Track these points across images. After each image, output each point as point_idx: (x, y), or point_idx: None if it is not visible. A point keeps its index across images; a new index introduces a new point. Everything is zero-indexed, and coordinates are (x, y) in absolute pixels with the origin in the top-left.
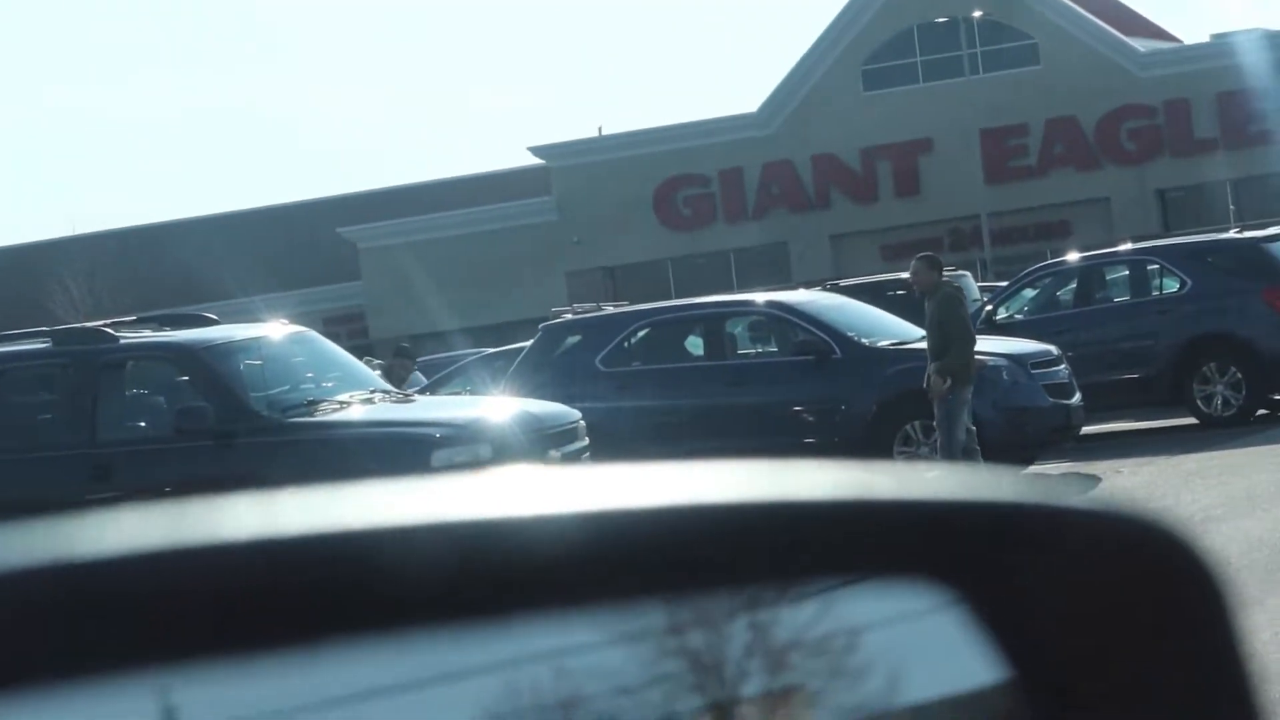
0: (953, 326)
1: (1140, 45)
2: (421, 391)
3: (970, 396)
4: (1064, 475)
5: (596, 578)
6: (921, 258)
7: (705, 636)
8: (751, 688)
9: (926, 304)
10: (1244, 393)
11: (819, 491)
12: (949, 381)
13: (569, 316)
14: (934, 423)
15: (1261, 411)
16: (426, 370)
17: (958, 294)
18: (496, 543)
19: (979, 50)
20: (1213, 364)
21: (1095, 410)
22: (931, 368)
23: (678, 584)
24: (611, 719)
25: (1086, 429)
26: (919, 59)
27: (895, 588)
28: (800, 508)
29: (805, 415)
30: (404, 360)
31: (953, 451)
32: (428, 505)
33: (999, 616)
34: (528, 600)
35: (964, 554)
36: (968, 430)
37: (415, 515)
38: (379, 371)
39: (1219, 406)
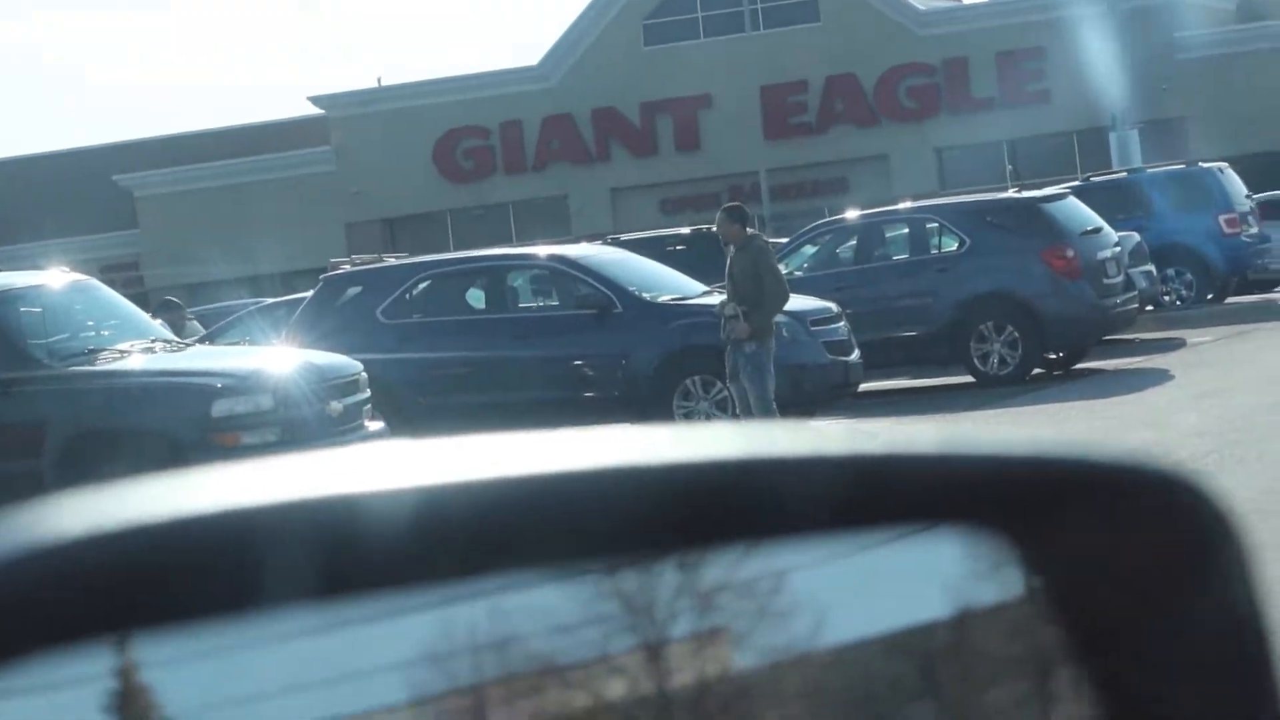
0: (770, 279)
1: (920, 4)
2: (200, 341)
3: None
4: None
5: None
6: (727, 209)
7: (639, 579)
8: (680, 629)
9: (732, 255)
10: (1020, 351)
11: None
12: (750, 332)
13: (348, 268)
14: (726, 376)
15: (1037, 371)
16: (205, 321)
17: (769, 246)
18: (474, 503)
19: (760, 6)
20: (990, 323)
21: (874, 368)
22: (731, 311)
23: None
24: (547, 657)
25: (865, 386)
26: (700, 14)
27: (929, 536)
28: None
29: (586, 369)
30: (175, 314)
31: (766, 404)
32: (372, 475)
33: (1039, 562)
34: (502, 562)
35: (1003, 502)
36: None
37: (370, 483)
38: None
39: (995, 365)
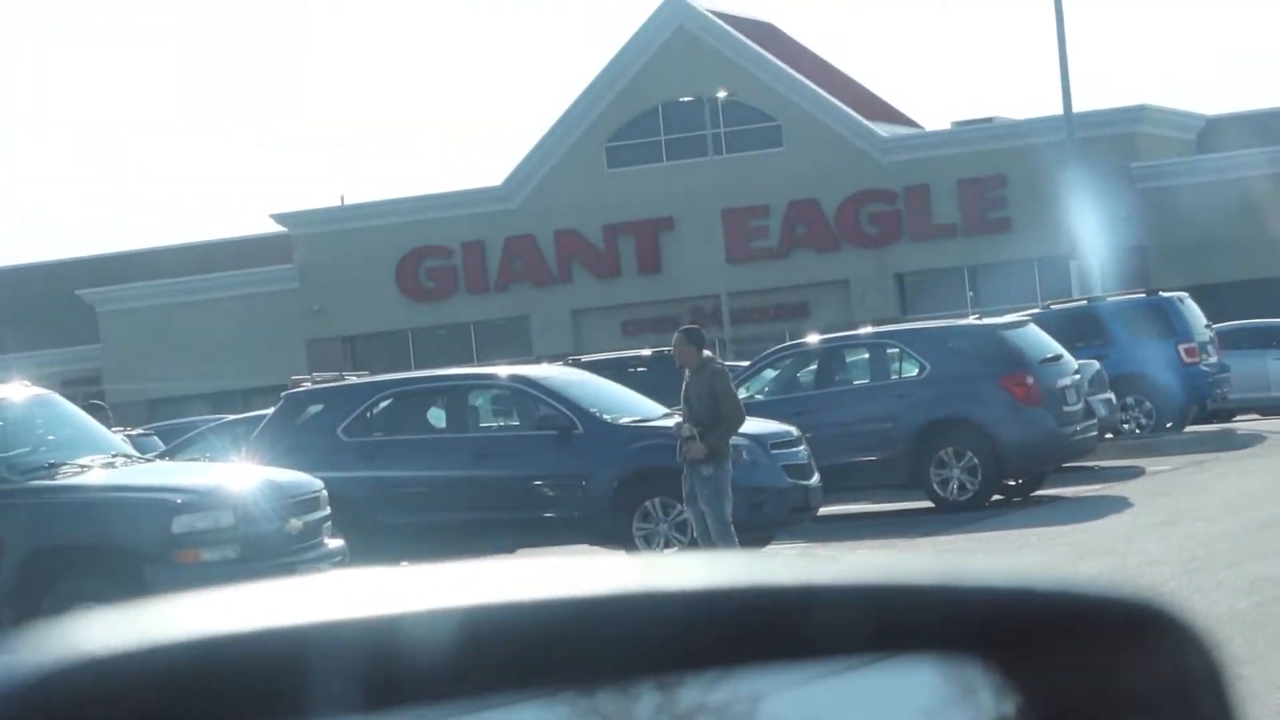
0: (726, 401)
1: (883, 130)
2: (160, 457)
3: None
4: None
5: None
6: (684, 331)
7: (617, 702)
8: None
9: (689, 378)
10: (979, 478)
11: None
12: (705, 452)
13: (309, 385)
14: (683, 499)
15: (996, 497)
16: (165, 436)
17: (725, 369)
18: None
19: (722, 130)
20: (950, 448)
21: (834, 491)
22: (687, 432)
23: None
24: None
25: (824, 510)
26: (663, 138)
27: (913, 665)
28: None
29: (546, 489)
30: (100, 416)
31: (724, 527)
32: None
33: (1020, 690)
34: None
35: (983, 631)
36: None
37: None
38: (123, 437)
39: (955, 491)
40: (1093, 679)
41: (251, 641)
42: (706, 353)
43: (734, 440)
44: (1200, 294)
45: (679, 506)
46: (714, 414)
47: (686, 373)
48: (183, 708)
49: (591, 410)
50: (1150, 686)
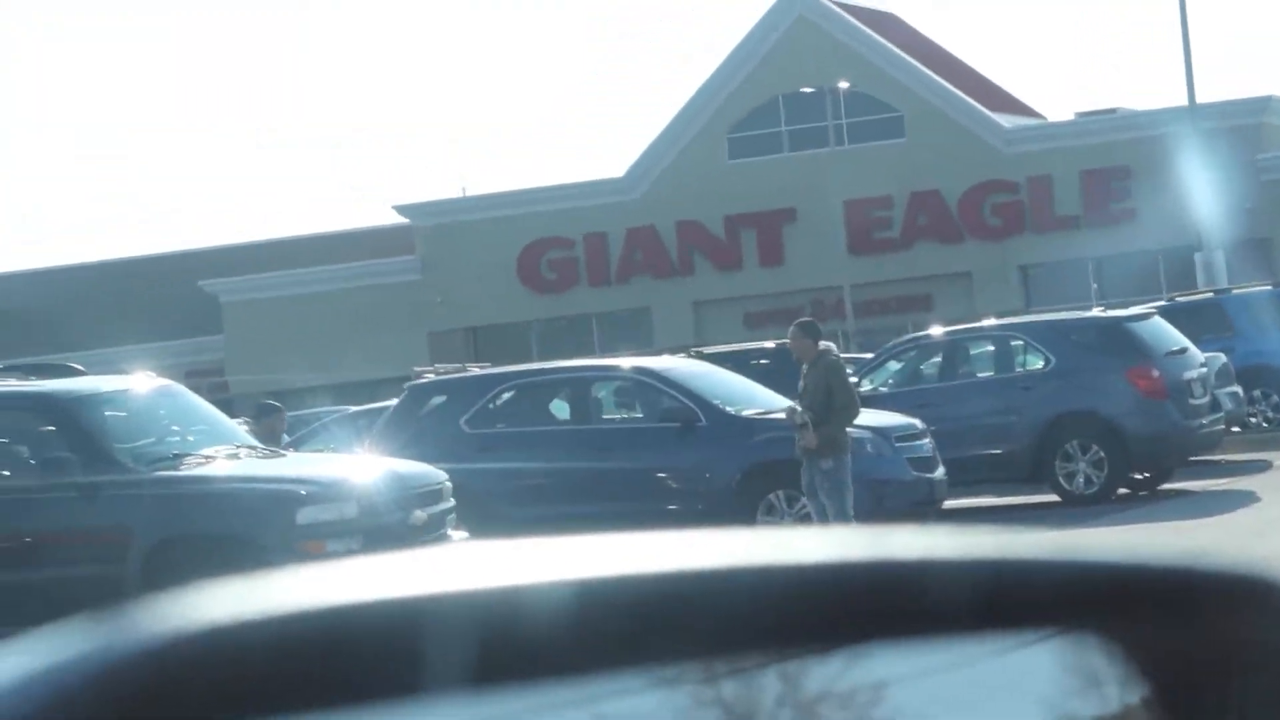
0: (841, 394)
1: (1005, 121)
2: (284, 449)
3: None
4: None
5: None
6: (799, 324)
7: (741, 686)
8: None
9: (805, 370)
10: (1106, 471)
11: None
12: (816, 440)
13: (432, 377)
14: (803, 491)
15: (1122, 491)
16: (289, 428)
17: (841, 362)
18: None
19: (844, 122)
20: (1075, 442)
21: (958, 485)
22: (800, 420)
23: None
24: None
25: (949, 503)
26: (784, 129)
27: (1043, 642)
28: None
29: (670, 482)
30: (274, 418)
31: (845, 520)
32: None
33: (1148, 668)
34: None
35: (1111, 608)
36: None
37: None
38: (245, 427)
39: (1081, 484)
40: (1208, 649)
41: (366, 612)
42: (823, 345)
43: (857, 433)
44: None
45: (802, 499)
46: (827, 406)
47: (804, 366)
48: (297, 675)
49: (714, 402)
50: (1264, 655)
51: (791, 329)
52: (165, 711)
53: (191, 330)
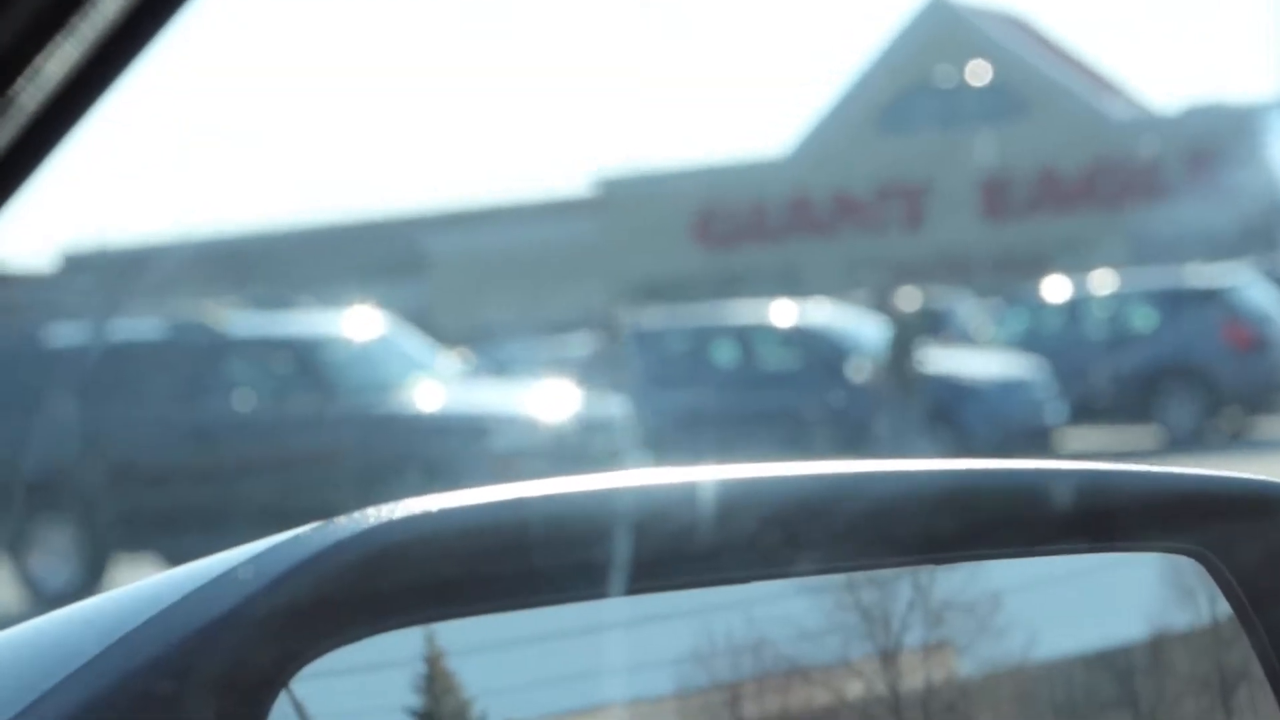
0: (919, 350)
1: (1116, 106)
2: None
3: None
4: None
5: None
6: (895, 286)
7: (876, 592)
8: (911, 640)
9: (893, 324)
10: (1207, 417)
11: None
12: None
13: (629, 321)
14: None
15: (1221, 434)
16: (491, 363)
17: (922, 319)
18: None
19: (978, 108)
20: (1178, 392)
21: (1066, 427)
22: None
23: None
24: (794, 660)
25: (1062, 443)
26: (925, 112)
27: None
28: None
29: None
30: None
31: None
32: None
33: (1241, 579)
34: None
35: (1208, 526)
36: None
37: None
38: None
39: (1185, 428)
40: None
41: (548, 504)
42: (914, 304)
43: (971, 383)
44: None
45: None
46: (912, 359)
47: (890, 320)
48: (502, 550)
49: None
50: None
51: (886, 289)
52: (413, 571)
53: (397, 287)
